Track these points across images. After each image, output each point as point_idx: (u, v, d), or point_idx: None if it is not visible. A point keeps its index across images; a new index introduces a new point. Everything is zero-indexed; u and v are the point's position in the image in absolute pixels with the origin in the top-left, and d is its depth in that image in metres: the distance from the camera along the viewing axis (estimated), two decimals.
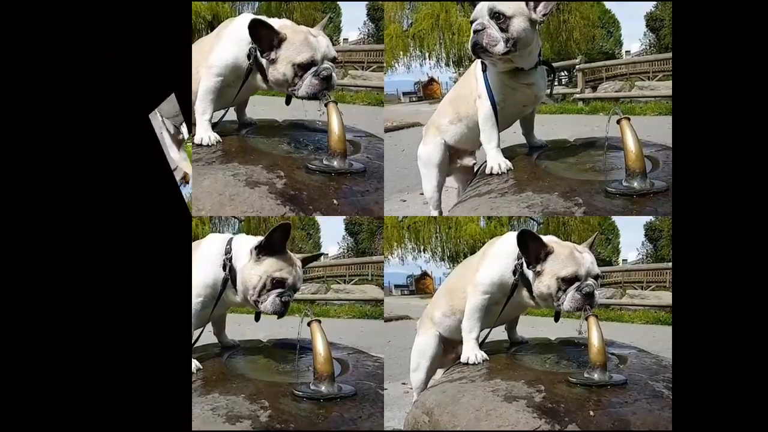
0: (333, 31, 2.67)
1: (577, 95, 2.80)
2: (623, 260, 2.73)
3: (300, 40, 2.01)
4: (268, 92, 2.23)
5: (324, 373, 1.95)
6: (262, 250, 2.03)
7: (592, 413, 1.81)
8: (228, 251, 2.08)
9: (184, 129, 2.25)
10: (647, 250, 2.67)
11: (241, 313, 2.31)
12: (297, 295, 2.09)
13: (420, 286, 2.71)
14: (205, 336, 2.17)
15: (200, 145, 2.13)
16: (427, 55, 2.83)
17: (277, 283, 2.01)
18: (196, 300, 2.11)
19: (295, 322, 2.08)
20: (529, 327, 2.40)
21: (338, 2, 2.61)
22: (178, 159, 2.40)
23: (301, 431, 1.78)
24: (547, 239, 2.03)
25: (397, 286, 2.64)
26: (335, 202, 1.97)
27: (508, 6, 2.03)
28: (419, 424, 1.98)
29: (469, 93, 2.20)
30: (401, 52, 2.82)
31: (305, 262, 2.12)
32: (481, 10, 2.05)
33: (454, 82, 2.57)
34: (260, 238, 2.04)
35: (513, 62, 2.10)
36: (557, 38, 2.80)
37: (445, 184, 2.36)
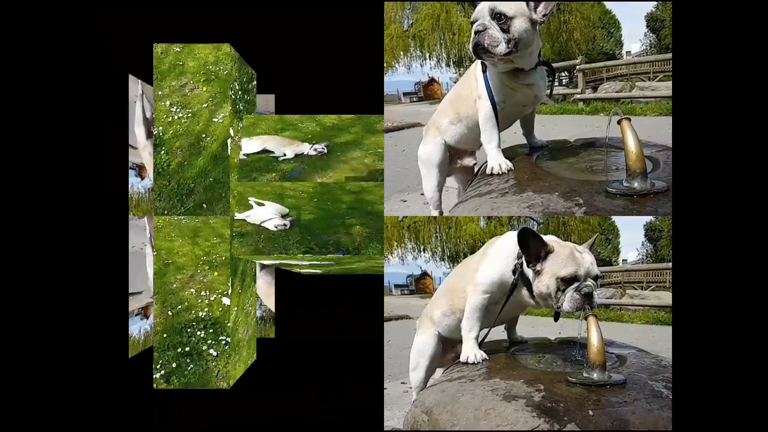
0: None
1: (578, 96, 2.80)
2: (623, 260, 2.72)
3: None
4: None
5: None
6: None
7: (591, 413, 1.80)
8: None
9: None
10: (647, 251, 2.66)
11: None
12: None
13: (420, 285, 2.70)
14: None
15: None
16: (427, 55, 2.83)
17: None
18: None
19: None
20: (529, 327, 2.40)
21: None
22: (142, 146, 2.38)
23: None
24: (548, 239, 2.03)
25: (397, 286, 2.63)
26: None
27: (509, 6, 2.03)
28: (418, 423, 1.98)
29: (469, 93, 2.20)
30: (402, 53, 2.81)
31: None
32: (482, 10, 2.05)
33: (455, 82, 2.57)
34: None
35: (513, 63, 2.10)
36: (558, 39, 2.80)
37: (446, 184, 2.36)
